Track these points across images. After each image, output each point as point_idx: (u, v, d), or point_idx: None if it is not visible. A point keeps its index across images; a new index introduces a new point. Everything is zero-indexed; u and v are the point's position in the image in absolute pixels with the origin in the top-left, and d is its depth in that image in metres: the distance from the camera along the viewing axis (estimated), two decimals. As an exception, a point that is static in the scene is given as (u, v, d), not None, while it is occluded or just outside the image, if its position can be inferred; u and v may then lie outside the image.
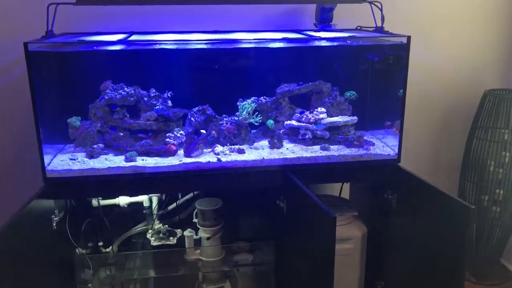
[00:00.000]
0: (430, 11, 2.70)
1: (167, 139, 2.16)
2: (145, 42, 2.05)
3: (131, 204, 2.38)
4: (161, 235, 2.38)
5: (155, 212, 2.43)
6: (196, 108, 2.29)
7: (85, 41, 1.97)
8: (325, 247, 1.68)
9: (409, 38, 2.03)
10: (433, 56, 2.74)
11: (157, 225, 2.44)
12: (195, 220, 2.40)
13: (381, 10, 2.23)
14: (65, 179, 1.96)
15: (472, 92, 2.82)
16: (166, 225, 2.42)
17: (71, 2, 2.04)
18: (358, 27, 2.53)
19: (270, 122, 2.27)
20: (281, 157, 2.11)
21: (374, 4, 2.25)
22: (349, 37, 2.16)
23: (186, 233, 2.36)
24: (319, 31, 2.42)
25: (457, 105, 2.88)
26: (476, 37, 2.80)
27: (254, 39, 2.14)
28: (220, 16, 2.51)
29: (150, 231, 2.40)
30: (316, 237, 1.77)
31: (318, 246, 1.76)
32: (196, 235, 2.38)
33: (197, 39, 2.07)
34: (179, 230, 2.40)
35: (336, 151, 2.17)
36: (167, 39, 2.12)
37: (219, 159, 2.08)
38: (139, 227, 2.47)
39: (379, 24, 2.31)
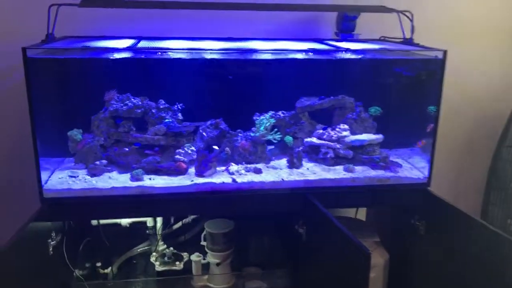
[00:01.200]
0: (459, 24, 2.53)
1: (177, 156, 1.97)
2: (155, 50, 1.85)
3: (133, 223, 2.19)
4: (166, 259, 2.19)
5: (159, 232, 2.23)
6: (209, 122, 2.11)
7: (90, 47, 1.78)
8: (355, 286, 1.50)
9: (445, 52, 1.86)
10: (458, 71, 2.56)
11: (161, 246, 2.25)
12: (203, 243, 2.21)
13: (411, 20, 2.06)
14: (65, 200, 1.77)
15: (499, 110, 2.65)
16: (171, 248, 2.23)
17: (74, 4, 1.85)
18: (382, 38, 2.36)
19: (289, 138, 2.09)
20: (301, 178, 1.93)
21: (404, 14, 2.08)
22: (380, 49, 1.98)
23: (194, 257, 2.17)
24: (341, 41, 2.24)
25: (483, 122, 2.71)
26: (506, 53, 2.63)
27: (274, 50, 1.96)
28: (233, 22, 2.33)
29: (154, 254, 2.20)
30: (344, 272, 1.60)
31: (345, 282, 1.58)
32: (204, 259, 2.19)
33: (211, 48, 1.89)
34: (185, 253, 2.21)
35: (361, 172, 2.00)
36: (178, 47, 1.93)
37: (234, 180, 1.89)
38: (141, 247, 2.28)
39: (407, 35, 2.14)
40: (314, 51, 1.92)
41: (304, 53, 1.92)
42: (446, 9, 2.51)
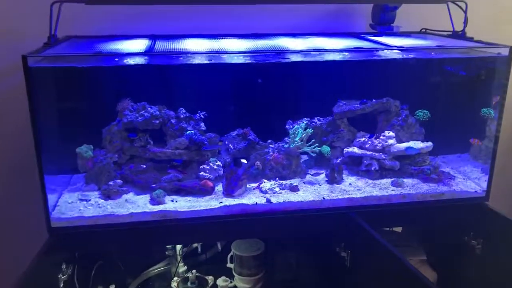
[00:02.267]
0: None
1: (201, 173, 1.73)
2: (175, 54, 1.59)
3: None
4: (189, 284, 1.95)
5: (179, 253, 2.00)
6: (235, 132, 1.86)
7: (101, 53, 1.52)
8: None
9: (511, 49, 1.60)
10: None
11: (182, 268, 2.02)
12: (229, 265, 1.98)
13: (465, 11, 1.80)
14: (76, 229, 1.54)
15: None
16: (194, 271, 1.99)
17: (80, 1, 1.58)
18: (423, 30, 2.10)
19: (326, 148, 1.84)
20: (345, 196, 1.69)
21: (456, 4, 1.82)
22: (436, 47, 1.72)
23: (220, 282, 1.94)
24: (381, 35, 1.99)
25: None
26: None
27: (312, 50, 1.70)
28: (256, 17, 2.06)
29: (175, 279, 1.97)
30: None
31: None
32: (231, 282, 1.96)
33: (237, 51, 1.63)
34: (210, 277, 1.97)
35: (412, 187, 1.75)
36: (198, 48, 1.67)
37: (268, 200, 1.66)
38: (159, 268, 2.05)
39: (457, 28, 1.88)
40: (361, 50, 1.65)
41: (348, 53, 1.65)
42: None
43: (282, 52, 1.66)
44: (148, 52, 1.55)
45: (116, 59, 1.51)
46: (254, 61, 1.67)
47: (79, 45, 1.69)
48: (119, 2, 1.59)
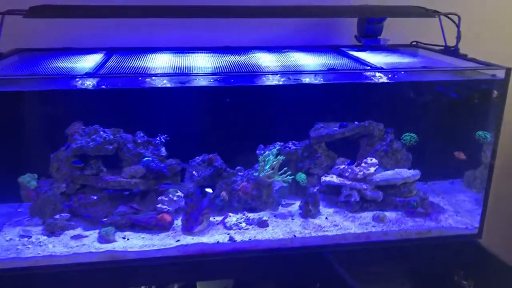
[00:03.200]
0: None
1: (159, 205, 1.55)
2: (130, 76, 1.40)
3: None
4: (151, 322, 1.77)
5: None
6: (200, 158, 1.67)
7: (41, 76, 1.34)
8: None
9: (508, 71, 1.41)
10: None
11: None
12: (196, 302, 1.80)
13: (457, 25, 1.61)
14: (11, 273, 1.35)
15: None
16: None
17: (20, 10, 1.40)
18: (414, 43, 1.91)
19: (301, 176, 1.66)
20: (319, 234, 1.50)
21: (449, 17, 1.62)
22: (422, 68, 1.53)
23: (186, 321, 1.75)
24: (366, 49, 1.80)
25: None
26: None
27: (284, 71, 1.50)
28: (231, 27, 1.87)
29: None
30: None
31: None
32: (198, 321, 1.78)
33: (203, 73, 1.43)
34: (175, 316, 1.79)
35: (395, 223, 1.57)
36: (160, 67, 1.49)
37: (232, 238, 1.47)
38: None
39: (449, 43, 1.69)
40: (336, 72, 1.46)
41: (320, 77, 1.45)
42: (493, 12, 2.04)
43: (253, 74, 1.46)
44: (96, 73, 1.37)
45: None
46: (222, 84, 1.47)
47: (23, 62, 1.51)
48: (57, 16, 1.40)
